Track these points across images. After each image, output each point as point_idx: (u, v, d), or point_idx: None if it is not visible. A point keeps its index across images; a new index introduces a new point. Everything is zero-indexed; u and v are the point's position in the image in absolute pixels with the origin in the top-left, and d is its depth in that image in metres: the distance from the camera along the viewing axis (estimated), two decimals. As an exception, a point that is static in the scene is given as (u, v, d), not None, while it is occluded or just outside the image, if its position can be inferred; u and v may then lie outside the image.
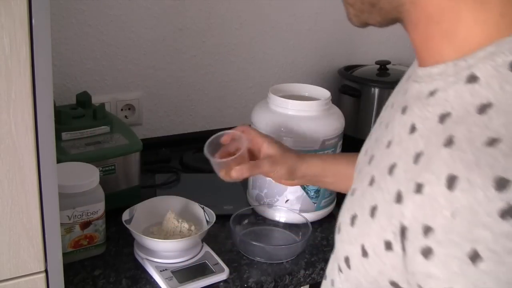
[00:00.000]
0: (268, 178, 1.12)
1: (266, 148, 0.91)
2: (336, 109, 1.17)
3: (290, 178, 0.91)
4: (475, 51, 0.51)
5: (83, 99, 1.17)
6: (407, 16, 0.56)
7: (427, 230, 0.48)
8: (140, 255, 0.98)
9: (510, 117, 0.47)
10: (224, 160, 0.86)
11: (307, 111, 1.11)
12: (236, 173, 0.87)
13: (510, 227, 0.43)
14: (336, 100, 1.39)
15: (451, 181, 0.46)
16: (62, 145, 1.06)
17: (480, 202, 0.44)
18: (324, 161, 0.93)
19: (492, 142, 0.46)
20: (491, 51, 0.50)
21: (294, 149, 0.96)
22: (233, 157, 0.86)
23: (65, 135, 1.07)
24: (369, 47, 1.74)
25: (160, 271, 0.94)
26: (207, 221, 1.02)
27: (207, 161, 0.93)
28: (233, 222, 1.06)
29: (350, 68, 1.64)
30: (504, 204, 0.43)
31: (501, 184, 0.44)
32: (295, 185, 0.98)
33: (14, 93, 0.59)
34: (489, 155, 0.45)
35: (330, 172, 0.92)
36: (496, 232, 0.44)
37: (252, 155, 0.92)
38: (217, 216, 1.02)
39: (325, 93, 1.17)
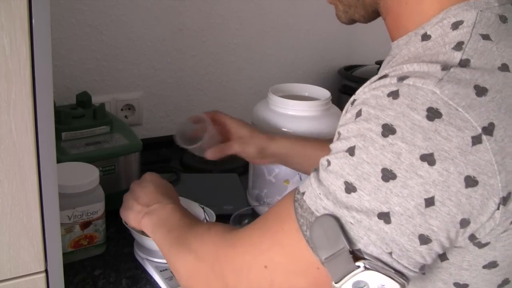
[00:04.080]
0: (268, 178, 1.12)
1: (236, 130, 1.01)
2: (336, 109, 1.17)
3: (261, 157, 1.01)
4: (430, 20, 0.62)
5: (83, 99, 1.17)
6: (383, 5, 0.68)
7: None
8: (140, 255, 0.98)
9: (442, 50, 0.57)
10: (198, 145, 0.97)
11: (307, 111, 1.10)
12: (210, 155, 0.98)
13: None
14: (336, 100, 1.39)
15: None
16: (62, 145, 1.06)
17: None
18: (293, 142, 1.01)
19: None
20: (441, 17, 0.60)
21: (265, 131, 1.04)
22: (202, 141, 0.96)
23: (65, 135, 1.07)
24: (369, 47, 1.74)
25: (160, 271, 0.94)
26: (207, 221, 1.02)
27: (207, 161, 1.01)
28: (233, 222, 1.06)
29: (350, 68, 1.65)
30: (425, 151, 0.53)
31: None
32: (267, 163, 1.08)
33: (14, 93, 0.59)
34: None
35: (299, 153, 1.01)
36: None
37: (225, 137, 1.02)
38: (217, 216, 1.02)
39: (325, 93, 1.17)
